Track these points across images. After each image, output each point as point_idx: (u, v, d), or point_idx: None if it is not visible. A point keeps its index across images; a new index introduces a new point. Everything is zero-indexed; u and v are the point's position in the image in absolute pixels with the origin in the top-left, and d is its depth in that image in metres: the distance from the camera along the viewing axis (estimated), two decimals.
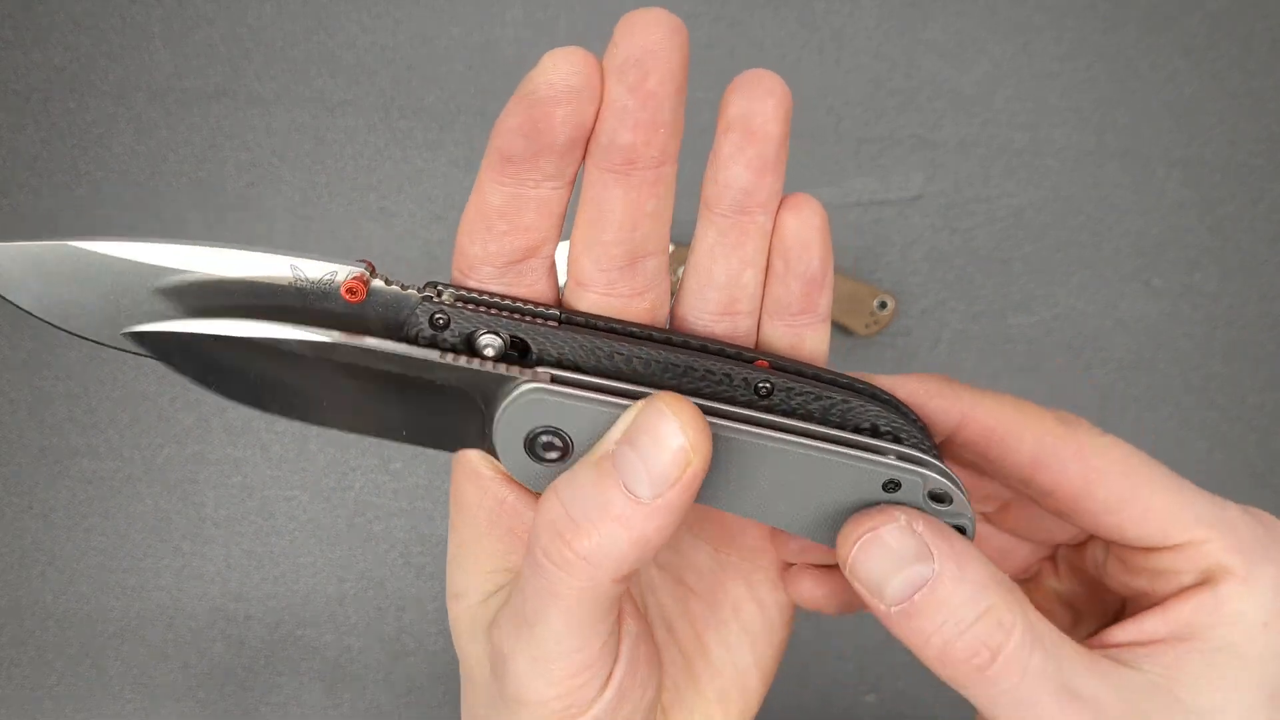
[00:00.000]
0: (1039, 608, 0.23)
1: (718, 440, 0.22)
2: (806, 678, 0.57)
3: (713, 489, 0.23)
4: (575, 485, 0.21)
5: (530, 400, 0.22)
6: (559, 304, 0.25)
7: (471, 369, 0.23)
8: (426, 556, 0.57)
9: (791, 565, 0.29)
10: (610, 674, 0.23)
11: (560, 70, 0.22)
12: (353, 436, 0.57)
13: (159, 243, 0.23)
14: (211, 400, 0.57)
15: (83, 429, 0.57)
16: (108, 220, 0.58)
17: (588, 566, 0.21)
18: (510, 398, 0.23)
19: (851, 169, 0.58)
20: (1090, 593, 0.29)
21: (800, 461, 0.23)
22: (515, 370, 0.23)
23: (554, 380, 0.23)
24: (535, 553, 0.22)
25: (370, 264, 0.24)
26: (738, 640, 0.29)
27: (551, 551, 0.21)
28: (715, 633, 0.29)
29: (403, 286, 0.24)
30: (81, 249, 0.23)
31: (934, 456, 0.24)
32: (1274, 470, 0.58)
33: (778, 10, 0.58)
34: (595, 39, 0.61)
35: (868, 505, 0.23)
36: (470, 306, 0.24)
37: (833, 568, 0.28)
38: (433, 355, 0.23)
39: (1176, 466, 0.58)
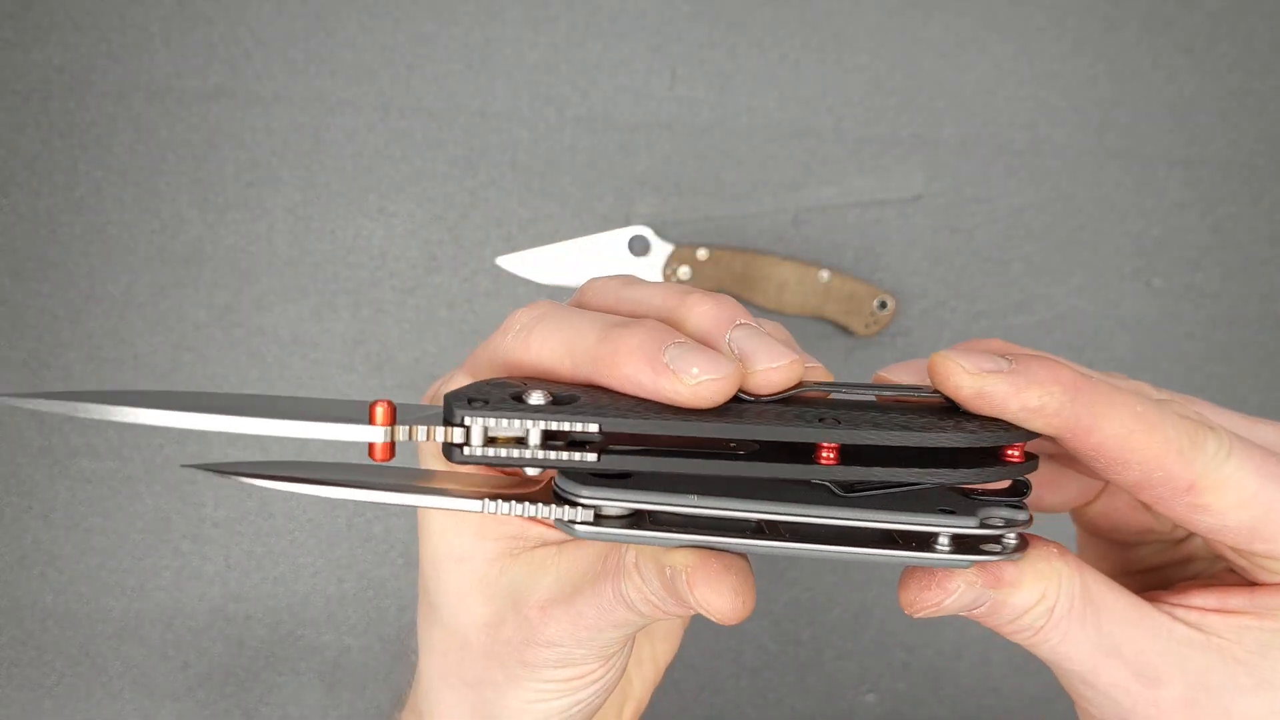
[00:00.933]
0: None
1: (788, 558, 0.24)
2: (806, 678, 0.57)
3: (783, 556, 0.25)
4: (653, 584, 0.25)
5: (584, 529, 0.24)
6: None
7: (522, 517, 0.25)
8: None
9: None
10: (615, 652, 0.28)
11: None
12: None
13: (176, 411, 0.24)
14: None
15: (82, 429, 0.57)
16: (108, 220, 0.58)
17: (661, 615, 0.25)
18: (565, 515, 0.24)
19: (851, 169, 0.58)
20: (1131, 517, 0.30)
21: (875, 560, 0.24)
22: (563, 510, 0.24)
23: (598, 518, 0.24)
24: (632, 599, 0.25)
25: (390, 405, 0.24)
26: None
27: (644, 609, 0.25)
28: None
29: (428, 429, 0.24)
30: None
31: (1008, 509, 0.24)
32: None
33: (778, 10, 0.58)
34: (595, 38, 0.61)
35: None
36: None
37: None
38: (474, 506, 0.24)
39: None
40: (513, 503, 0.24)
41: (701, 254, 0.55)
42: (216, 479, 0.57)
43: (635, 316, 0.26)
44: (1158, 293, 0.58)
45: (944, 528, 0.23)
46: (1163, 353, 0.58)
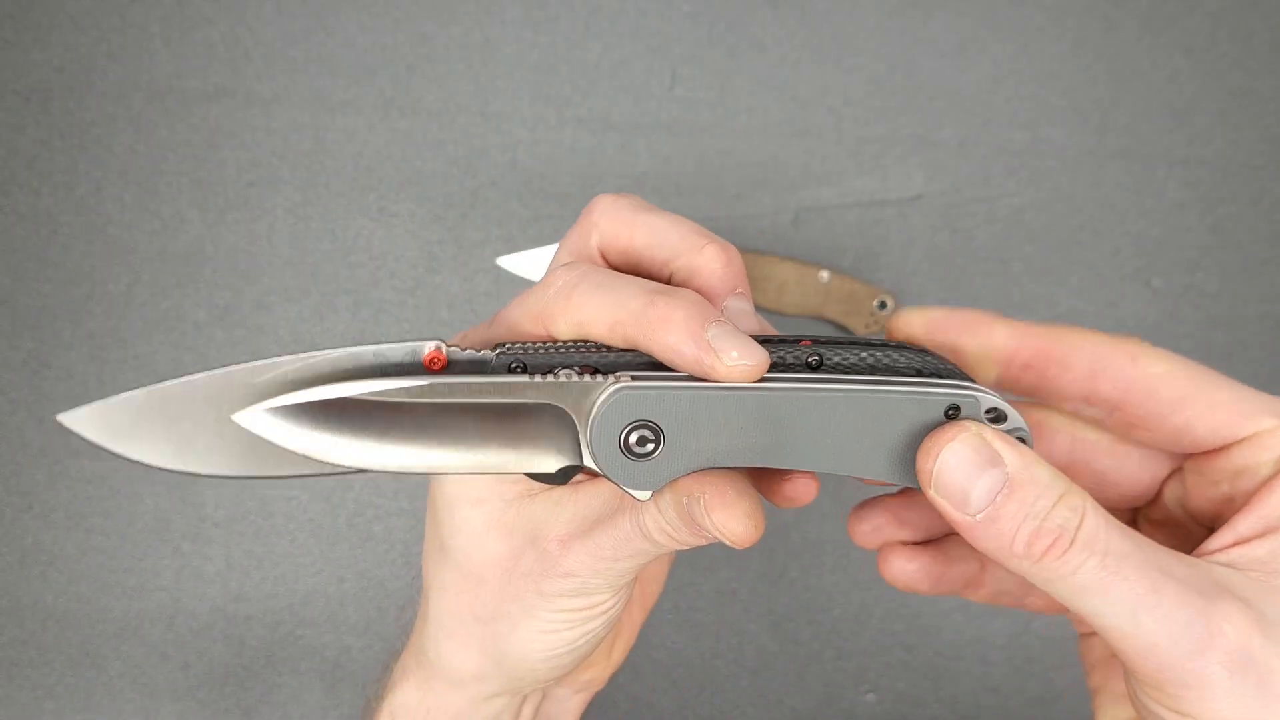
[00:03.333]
0: None
1: (792, 401, 0.25)
2: (806, 677, 0.57)
3: (793, 453, 0.26)
4: (669, 514, 0.26)
5: (619, 398, 0.25)
6: None
7: (560, 383, 0.25)
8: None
9: (883, 549, 0.31)
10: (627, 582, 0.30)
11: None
12: None
13: (241, 363, 0.25)
14: None
15: None
16: (108, 220, 0.58)
17: (675, 547, 0.27)
18: (600, 399, 0.25)
19: (851, 169, 0.58)
20: (1178, 543, 0.30)
21: (868, 404, 0.25)
22: (599, 378, 0.25)
23: (634, 379, 0.25)
24: (650, 532, 0.27)
25: (440, 340, 0.26)
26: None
27: (660, 539, 0.27)
28: None
29: (476, 349, 0.26)
30: (179, 384, 0.25)
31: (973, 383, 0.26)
32: None
33: (778, 10, 0.58)
34: (595, 39, 0.61)
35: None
36: (541, 351, 0.26)
37: (921, 544, 0.31)
38: (523, 379, 0.25)
39: None
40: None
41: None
42: (218, 479, 0.57)
43: (651, 246, 0.29)
44: (1157, 293, 0.58)
45: (940, 380, 0.26)
46: None
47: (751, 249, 0.57)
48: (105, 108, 0.58)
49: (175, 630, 0.57)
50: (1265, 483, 0.25)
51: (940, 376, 0.26)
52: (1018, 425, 0.25)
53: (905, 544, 0.31)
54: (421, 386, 0.25)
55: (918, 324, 0.27)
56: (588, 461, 0.26)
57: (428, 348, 0.26)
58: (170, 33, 0.58)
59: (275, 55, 0.58)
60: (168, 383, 0.25)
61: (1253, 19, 0.58)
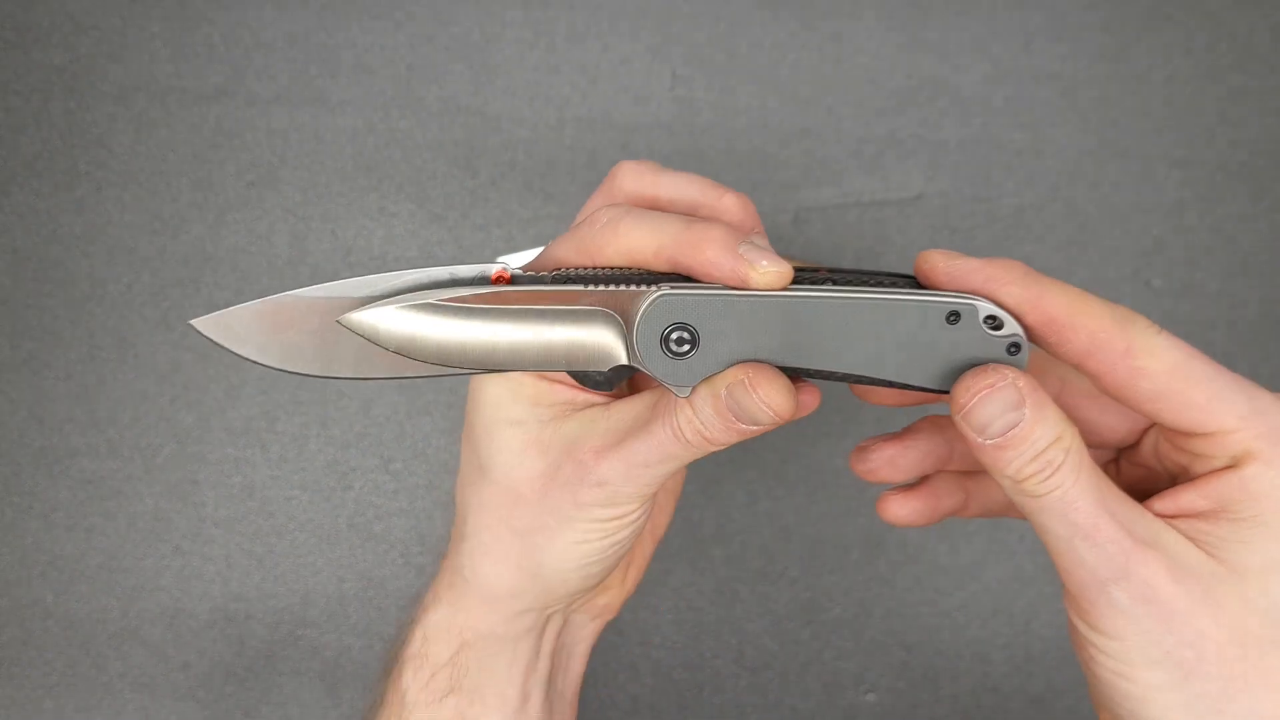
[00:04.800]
0: None
1: (812, 306, 0.29)
2: (806, 677, 0.57)
3: (811, 354, 0.30)
4: (705, 410, 0.30)
5: (661, 302, 0.29)
6: None
7: (611, 290, 0.30)
8: (427, 556, 0.57)
9: (881, 499, 0.36)
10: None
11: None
12: (353, 436, 0.57)
13: (341, 280, 0.31)
14: (211, 401, 0.57)
15: (83, 429, 0.57)
16: (108, 220, 0.58)
17: (705, 447, 0.31)
18: (645, 304, 0.29)
19: (852, 169, 0.58)
20: (1149, 482, 0.33)
21: (879, 309, 0.29)
22: (644, 287, 0.29)
23: (674, 288, 0.29)
24: (684, 432, 0.30)
25: (504, 265, 0.31)
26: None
27: (692, 438, 0.30)
28: None
29: (536, 273, 0.31)
30: (290, 296, 0.30)
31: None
32: None
33: (777, 10, 0.58)
34: (595, 39, 0.61)
35: (937, 339, 0.29)
36: (591, 273, 0.31)
37: (913, 487, 0.36)
38: (579, 287, 0.30)
39: None
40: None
41: None
42: (218, 479, 0.57)
43: (675, 200, 0.34)
44: (1157, 293, 0.58)
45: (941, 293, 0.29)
46: None
47: None
48: (105, 108, 0.58)
49: (175, 630, 0.57)
50: (1216, 471, 0.28)
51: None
52: (1014, 332, 0.29)
53: (899, 490, 0.36)
54: (494, 293, 0.30)
55: (941, 271, 0.29)
56: (634, 361, 0.30)
57: (495, 268, 0.30)
58: (171, 33, 0.58)
59: (276, 55, 0.58)
60: (279, 295, 0.30)
61: (1253, 19, 0.58)
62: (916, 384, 0.30)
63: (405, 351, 0.30)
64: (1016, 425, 0.27)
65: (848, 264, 0.57)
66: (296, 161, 0.58)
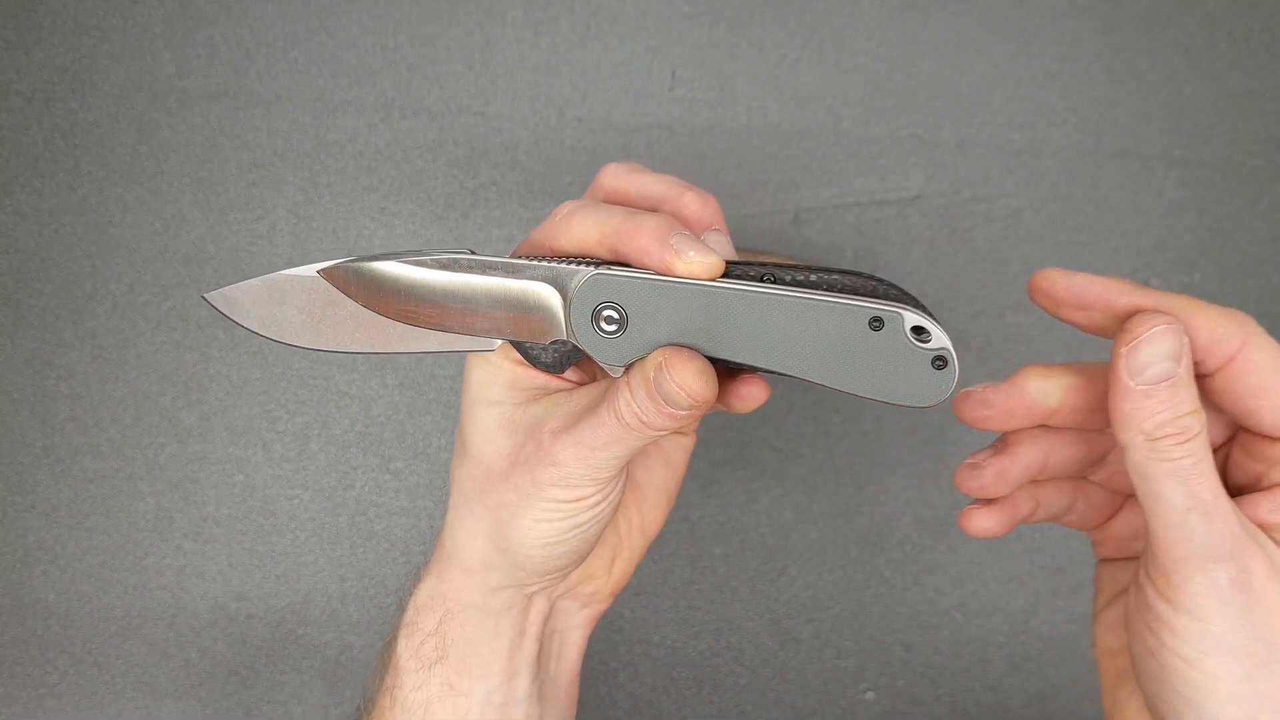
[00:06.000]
0: None
1: (732, 299, 0.30)
2: (805, 675, 0.57)
3: (734, 346, 0.31)
4: (638, 393, 0.31)
5: (593, 280, 0.31)
6: None
7: (551, 265, 0.32)
8: (428, 555, 0.57)
9: (963, 513, 0.37)
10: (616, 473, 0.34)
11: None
12: (354, 435, 0.57)
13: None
14: (213, 400, 0.57)
15: (85, 428, 0.57)
16: (110, 220, 0.58)
17: (644, 430, 0.32)
18: (580, 280, 0.31)
19: (851, 169, 0.58)
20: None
21: (796, 308, 0.30)
22: (581, 267, 0.31)
23: (608, 268, 0.31)
24: (623, 415, 0.32)
25: (472, 250, 0.34)
26: (656, 463, 0.41)
27: (630, 421, 0.32)
28: (640, 460, 0.40)
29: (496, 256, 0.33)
30: (284, 274, 0.34)
31: (913, 305, 0.30)
32: None
33: (778, 10, 0.58)
34: (595, 39, 0.61)
35: (858, 345, 0.30)
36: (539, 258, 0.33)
37: (995, 503, 0.36)
38: (524, 261, 0.32)
39: None
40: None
41: None
42: (219, 478, 0.57)
43: (644, 196, 0.35)
44: None
45: (870, 299, 0.30)
46: None
47: (751, 249, 0.57)
48: (107, 108, 0.58)
49: (177, 629, 0.57)
50: None
51: (879, 297, 0.30)
52: (942, 345, 0.29)
53: (981, 503, 0.36)
54: (450, 259, 0.32)
55: (1061, 288, 0.31)
56: (570, 336, 0.32)
57: (463, 252, 0.33)
58: (173, 33, 0.58)
59: (277, 56, 0.58)
60: (275, 273, 0.34)
61: (1251, 20, 0.58)
62: (841, 388, 0.30)
63: (372, 298, 0.33)
64: (1170, 377, 0.28)
65: (847, 264, 0.57)
66: (297, 162, 0.58)
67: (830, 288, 0.31)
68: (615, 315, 0.31)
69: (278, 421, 0.57)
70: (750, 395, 0.34)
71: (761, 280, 0.31)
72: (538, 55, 0.58)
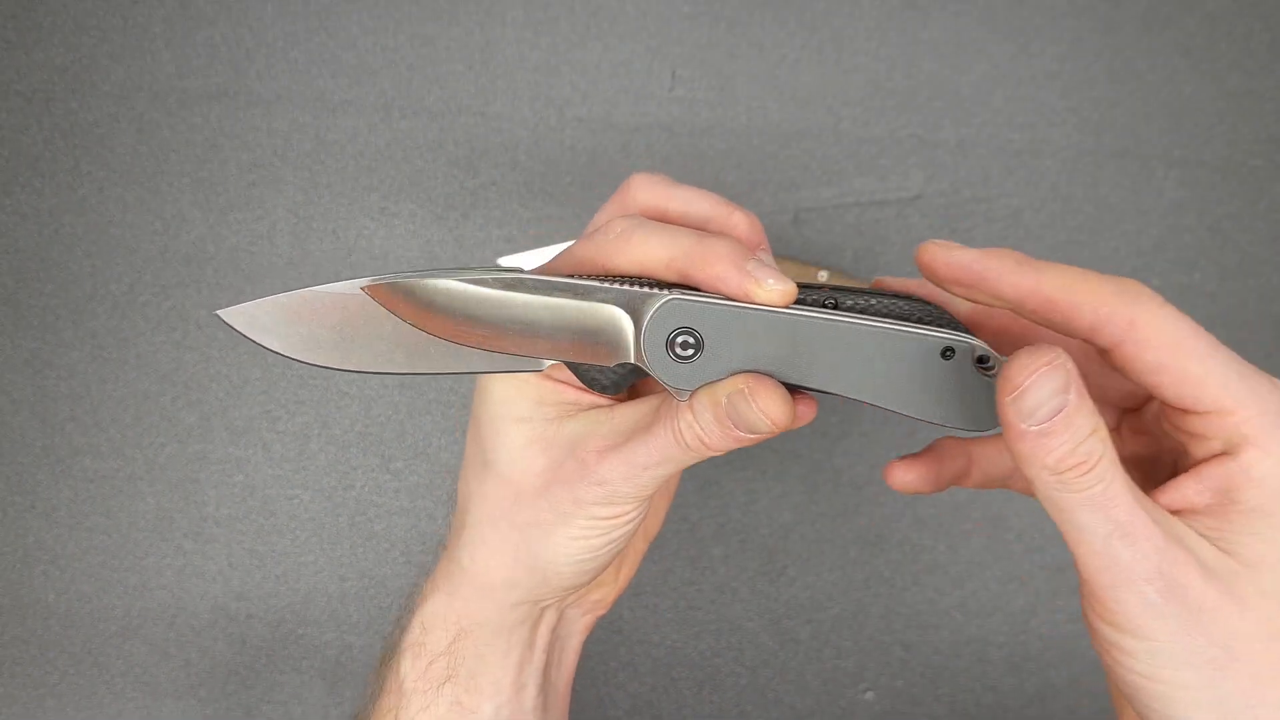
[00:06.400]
0: None
1: (813, 327, 0.30)
2: (805, 675, 0.57)
3: (809, 372, 0.30)
4: (704, 416, 0.31)
5: (670, 306, 0.30)
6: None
7: (626, 289, 0.31)
8: (428, 555, 0.57)
9: (886, 468, 0.37)
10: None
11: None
12: (354, 435, 0.57)
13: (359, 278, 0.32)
14: (213, 400, 0.57)
15: (85, 428, 0.57)
16: (110, 220, 0.58)
17: (703, 452, 0.32)
18: (655, 306, 0.30)
19: (851, 169, 0.58)
20: (1151, 456, 0.34)
21: (877, 338, 0.30)
22: (657, 290, 0.31)
23: (684, 293, 0.31)
24: (684, 437, 0.31)
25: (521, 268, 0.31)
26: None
27: (691, 443, 0.31)
28: None
29: (551, 273, 0.31)
30: (311, 291, 0.31)
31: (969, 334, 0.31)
32: None
33: (778, 10, 0.58)
34: (595, 39, 0.61)
35: (931, 372, 0.30)
36: (603, 278, 0.31)
37: (918, 454, 0.36)
38: (593, 283, 0.31)
39: None
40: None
41: None
42: (219, 478, 0.57)
43: (686, 214, 0.35)
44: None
45: (938, 328, 0.30)
46: None
47: None
48: (107, 108, 0.58)
49: (177, 629, 0.57)
50: (1214, 457, 0.28)
51: (936, 323, 0.31)
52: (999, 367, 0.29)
53: (904, 458, 0.36)
54: (513, 279, 0.30)
55: (940, 263, 0.30)
56: (639, 360, 0.31)
57: (514, 270, 0.31)
58: (172, 33, 0.58)
59: (277, 56, 0.58)
60: (300, 290, 0.31)
61: (1251, 20, 0.58)
62: (910, 413, 0.30)
63: (422, 316, 0.31)
64: (1062, 410, 0.27)
65: (847, 264, 0.57)
66: (297, 162, 0.58)
67: (894, 314, 0.31)
68: (691, 340, 0.30)
69: (278, 421, 0.57)
70: (805, 415, 0.34)
71: (825, 305, 0.31)
72: (538, 55, 0.58)
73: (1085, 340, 0.29)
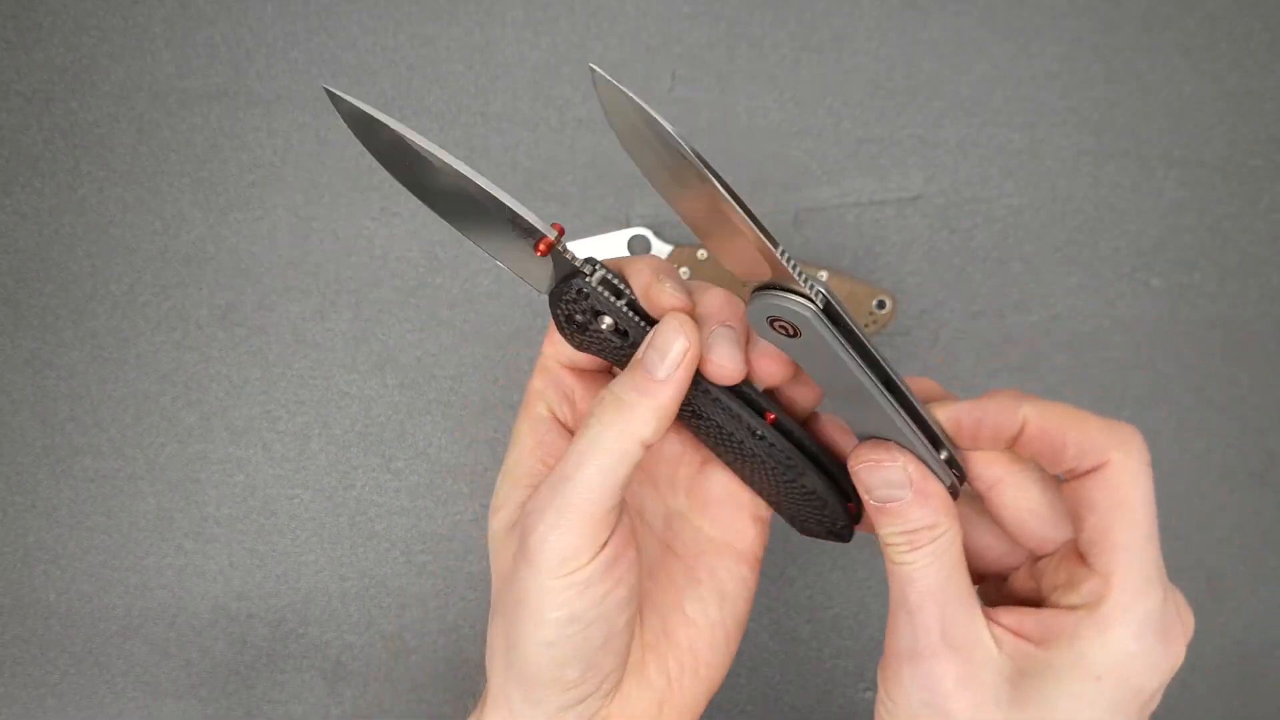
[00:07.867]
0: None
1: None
2: (804, 675, 0.57)
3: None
4: (619, 379, 0.31)
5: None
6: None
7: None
8: (428, 555, 0.57)
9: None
10: (606, 542, 0.31)
11: None
12: (354, 435, 0.57)
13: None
14: (213, 400, 0.57)
15: (85, 428, 0.57)
16: (110, 220, 0.58)
17: (626, 426, 0.30)
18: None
19: (851, 169, 0.58)
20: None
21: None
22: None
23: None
24: (589, 420, 0.30)
25: (560, 228, 0.31)
26: (709, 595, 0.37)
27: (603, 415, 0.30)
28: (691, 590, 0.37)
29: (572, 258, 0.32)
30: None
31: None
32: (1272, 469, 0.58)
33: (778, 10, 0.58)
34: (595, 39, 0.61)
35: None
36: (604, 292, 0.32)
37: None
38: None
39: (1176, 466, 0.58)
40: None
41: (701, 254, 0.56)
42: (220, 478, 0.57)
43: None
44: (1155, 293, 0.58)
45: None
46: (1160, 353, 0.58)
47: None
48: (107, 108, 0.58)
49: (177, 628, 0.57)
50: (1068, 608, 0.30)
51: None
52: None
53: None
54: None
55: (948, 423, 0.32)
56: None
57: (554, 233, 0.31)
58: (173, 33, 0.58)
59: (277, 56, 0.58)
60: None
61: (1251, 20, 0.58)
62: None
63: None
64: (897, 501, 0.31)
65: (846, 264, 0.57)
66: (298, 162, 0.58)
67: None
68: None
69: (278, 421, 0.57)
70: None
71: (751, 433, 0.34)
72: (538, 56, 0.58)
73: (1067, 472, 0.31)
